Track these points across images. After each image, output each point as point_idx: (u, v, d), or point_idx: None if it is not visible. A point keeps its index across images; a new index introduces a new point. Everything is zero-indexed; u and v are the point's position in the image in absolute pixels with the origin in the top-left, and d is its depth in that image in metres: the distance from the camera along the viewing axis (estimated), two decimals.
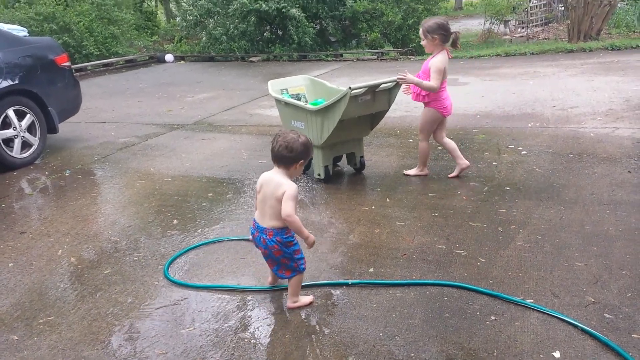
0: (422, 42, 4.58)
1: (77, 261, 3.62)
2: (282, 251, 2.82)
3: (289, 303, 2.95)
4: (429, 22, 4.52)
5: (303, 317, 2.85)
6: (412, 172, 4.93)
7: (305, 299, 2.98)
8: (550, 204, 4.08)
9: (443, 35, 4.45)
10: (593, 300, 2.83)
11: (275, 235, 2.80)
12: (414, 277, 3.17)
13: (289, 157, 2.80)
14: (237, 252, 3.61)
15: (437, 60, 4.47)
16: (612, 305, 2.77)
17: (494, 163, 5.12)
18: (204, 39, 16.51)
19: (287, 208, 2.72)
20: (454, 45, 4.57)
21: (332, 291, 3.08)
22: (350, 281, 3.15)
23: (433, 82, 4.44)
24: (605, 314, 2.70)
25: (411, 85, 4.60)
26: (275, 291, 3.10)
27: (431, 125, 4.75)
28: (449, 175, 4.81)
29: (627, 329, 2.57)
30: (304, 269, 2.90)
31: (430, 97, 4.58)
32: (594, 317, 2.68)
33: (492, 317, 2.73)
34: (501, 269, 3.20)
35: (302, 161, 2.84)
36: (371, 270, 3.28)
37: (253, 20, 15.45)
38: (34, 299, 3.16)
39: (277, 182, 2.79)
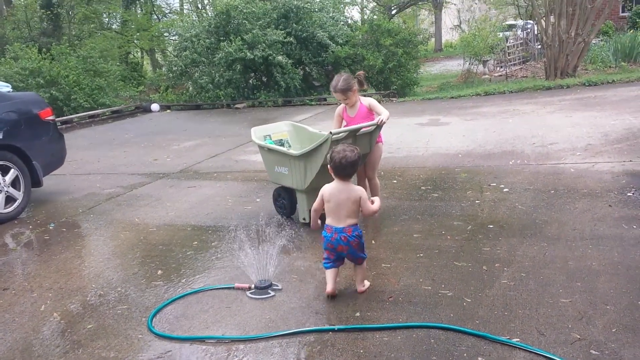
0: (347, 100, 4.79)
1: (60, 316, 3.56)
2: (360, 242, 3.43)
3: (360, 287, 3.52)
4: (339, 82, 4.74)
5: None
6: None
7: (368, 282, 3.61)
8: (533, 241, 4.11)
9: (357, 81, 4.82)
10: (579, 336, 2.82)
11: (354, 231, 3.40)
12: (400, 320, 3.15)
13: (353, 170, 3.46)
14: (222, 301, 3.58)
15: (367, 98, 4.90)
16: (598, 341, 2.77)
17: (476, 201, 5.17)
18: (190, 88, 16.74)
19: (373, 205, 3.47)
20: (362, 85, 4.89)
21: (319, 337, 3.05)
22: (336, 327, 3.12)
23: (385, 111, 4.69)
24: (591, 351, 2.69)
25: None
26: (261, 340, 3.06)
27: None
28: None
29: None
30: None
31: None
32: (580, 354, 2.68)
33: (480, 358, 2.71)
34: (487, 308, 3.20)
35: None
36: (357, 314, 3.26)
37: (238, 68, 15.73)
38: (16, 357, 3.10)
39: (348, 189, 3.44)
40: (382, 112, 4.66)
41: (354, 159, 3.40)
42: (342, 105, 4.92)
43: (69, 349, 3.13)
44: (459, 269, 3.76)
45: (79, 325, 3.42)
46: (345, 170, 3.41)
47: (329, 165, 3.51)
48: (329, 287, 3.45)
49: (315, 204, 3.60)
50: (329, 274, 3.48)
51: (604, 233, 4.14)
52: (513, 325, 2.99)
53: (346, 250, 3.41)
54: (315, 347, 2.97)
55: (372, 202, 3.53)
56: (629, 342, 2.74)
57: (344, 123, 4.93)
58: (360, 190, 3.44)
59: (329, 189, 3.47)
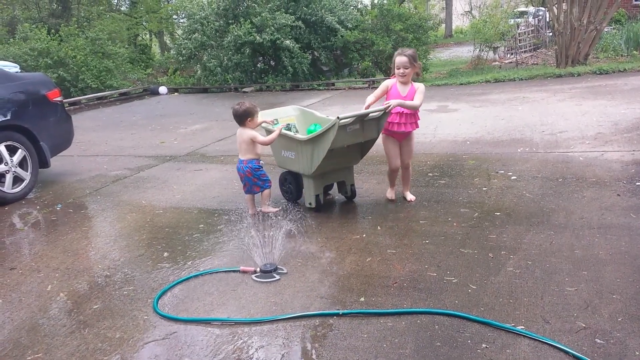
0: (406, 71, 4.57)
1: (67, 296, 3.59)
2: (253, 173, 4.77)
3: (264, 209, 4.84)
4: (410, 50, 4.63)
5: (294, 348, 2.83)
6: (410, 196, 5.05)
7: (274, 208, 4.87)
8: (540, 229, 4.09)
9: (419, 65, 4.68)
10: (584, 325, 2.81)
11: (249, 163, 4.77)
12: (405, 305, 3.15)
13: (238, 120, 4.75)
14: (227, 284, 3.59)
15: (422, 85, 4.68)
16: (604, 330, 2.76)
17: (484, 189, 5.14)
18: (198, 71, 16.69)
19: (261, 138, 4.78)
20: (419, 75, 4.81)
21: (323, 322, 3.06)
22: (341, 311, 3.13)
23: (419, 102, 4.60)
24: (596, 339, 2.68)
25: (405, 119, 4.65)
26: (266, 323, 3.07)
27: None
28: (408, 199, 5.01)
29: (618, 354, 2.56)
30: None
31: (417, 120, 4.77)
32: (585, 342, 2.67)
33: (484, 345, 2.71)
34: (492, 295, 3.19)
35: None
36: (362, 299, 3.26)
37: (247, 52, 15.65)
38: (23, 336, 3.12)
39: (243, 132, 4.75)
40: (415, 99, 4.59)
41: (238, 112, 4.70)
42: (393, 80, 4.67)
43: (75, 329, 3.16)
44: (464, 255, 3.75)
45: (85, 305, 3.44)
46: (236, 119, 4.76)
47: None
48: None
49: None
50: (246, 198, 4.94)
51: (611, 222, 4.11)
52: (518, 312, 2.98)
53: (242, 177, 4.78)
54: (320, 331, 2.98)
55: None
56: (634, 331, 2.73)
57: (385, 98, 4.70)
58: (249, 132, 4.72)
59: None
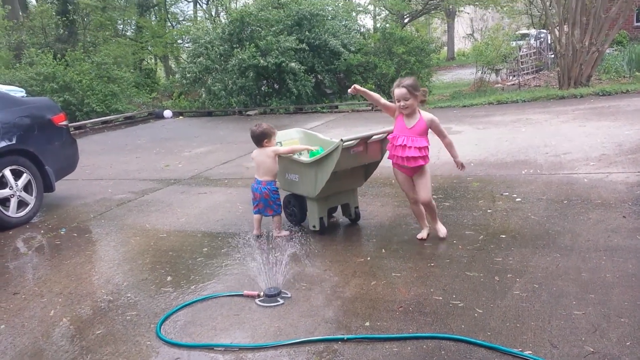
0: (407, 103, 4.18)
1: (70, 322, 3.56)
2: (270, 195, 4.79)
3: (276, 233, 4.87)
4: (408, 80, 4.25)
5: None
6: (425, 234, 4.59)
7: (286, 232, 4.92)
8: (546, 252, 4.06)
9: (423, 92, 4.29)
10: (592, 350, 2.77)
11: (267, 184, 4.82)
12: (410, 330, 3.12)
13: (256, 141, 4.91)
14: (230, 309, 3.56)
15: (433, 116, 4.31)
16: (612, 355, 2.72)
17: (488, 211, 5.12)
18: (203, 95, 16.84)
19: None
20: (424, 98, 4.31)
21: (328, 347, 3.02)
22: (345, 336, 3.09)
23: (448, 138, 4.37)
24: None
25: (409, 151, 4.26)
26: (270, 349, 3.04)
27: None
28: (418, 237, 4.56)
29: None
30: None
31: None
32: None
33: None
34: (499, 319, 3.15)
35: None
36: (367, 324, 3.23)
37: (251, 75, 15.79)
38: None
39: (263, 152, 4.84)
40: (447, 139, 4.33)
41: (256, 133, 4.82)
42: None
43: (78, 355, 3.13)
44: (470, 279, 3.72)
45: (88, 330, 3.42)
46: (253, 140, 4.86)
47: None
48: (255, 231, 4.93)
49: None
50: (254, 218, 4.95)
51: (618, 244, 4.08)
52: (525, 337, 2.94)
53: (259, 198, 4.78)
54: (325, 356, 2.94)
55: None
56: None
57: (391, 128, 4.44)
58: (271, 148, 4.80)
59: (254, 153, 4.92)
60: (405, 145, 4.25)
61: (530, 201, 5.30)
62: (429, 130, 4.31)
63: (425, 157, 4.32)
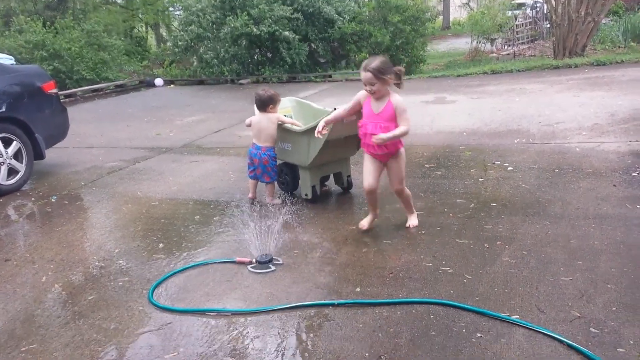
0: (373, 88, 3.78)
1: (61, 288, 3.58)
2: (270, 162, 4.81)
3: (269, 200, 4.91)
4: (376, 62, 3.75)
5: (289, 338, 2.83)
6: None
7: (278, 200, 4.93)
8: (536, 220, 4.09)
9: (395, 74, 3.80)
10: (579, 314, 2.82)
11: (267, 150, 4.80)
12: (400, 295, 3.15)
13: (260, 104, 4.81)
14: (222, 275, 3.58)
15: (401, 99, 3.87)
16: (598, 319, 2.76)
17: (480, 180, 5.14)
18: (195, 63, 16.63)
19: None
20: (399, 80, 3.83)
21: (319, 312, 3.06)
22: (336, 301, 3.13)
23: (407, 126, 3.85)
24: (590, 329, 2.69)
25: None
26: (261, 313, 3.07)
27: None
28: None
29: (612, 343, 2.56)
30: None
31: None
32: (579, 331, 2.67)
33: (478, 334, 2.71)
34: (487, 285, 3.19)
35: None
36: (358, 289, 3.26)
37: (244, 43, 15.59)
38: (17, 327, 3.12)
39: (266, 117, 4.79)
40: (401, 125, 3.81)
41: (264, 97, 4.75)
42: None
43: (70, 320, 3.15)
44: (460, 246, 3.75)
45: (80, 296, 3.43)
46: (258, 103, 4.80)
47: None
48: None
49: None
50: (250, 183, 5.00)
51: (607, 212, 4.11)
52: (513, 302, 2.98)
53: (257, 163, 4.77)
54: (315, 321, 2.97)
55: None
56: (629, 320, 2.73)
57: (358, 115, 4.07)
58: (275, 115, 4.79)
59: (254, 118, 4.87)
60: (374, 133, 3.83)
61: (522, 170, 5.32)
62: (396, 117, 3.84)
63: (396, 142, 3.95)
